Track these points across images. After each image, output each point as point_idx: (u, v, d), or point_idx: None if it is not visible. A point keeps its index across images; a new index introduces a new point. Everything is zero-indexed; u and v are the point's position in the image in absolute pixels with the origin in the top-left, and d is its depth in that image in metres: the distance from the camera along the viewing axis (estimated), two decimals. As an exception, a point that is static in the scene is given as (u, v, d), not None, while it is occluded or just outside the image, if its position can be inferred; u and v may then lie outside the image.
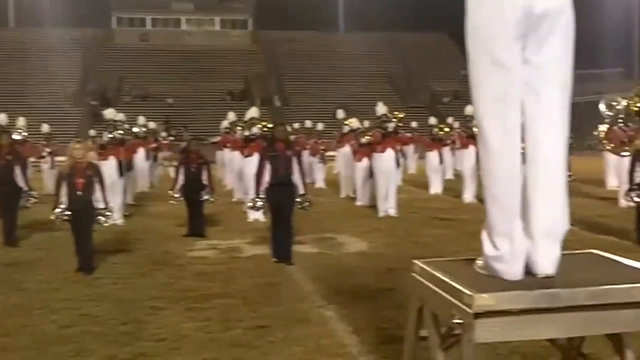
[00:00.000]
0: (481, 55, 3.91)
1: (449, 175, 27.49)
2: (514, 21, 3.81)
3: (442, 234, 14.19)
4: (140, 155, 23.61)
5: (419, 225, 15.61)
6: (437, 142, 24.52)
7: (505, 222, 3.96)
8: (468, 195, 19.87)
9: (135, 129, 25.03)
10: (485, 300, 3.59)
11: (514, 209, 3.96)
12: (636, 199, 12.33)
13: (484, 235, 4.08)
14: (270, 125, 16.49)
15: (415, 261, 4.56)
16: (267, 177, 11.43)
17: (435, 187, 23.47)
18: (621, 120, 17.11)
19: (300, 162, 11.90)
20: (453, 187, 23.14)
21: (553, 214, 4.00)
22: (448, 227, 15.22)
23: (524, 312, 3.65)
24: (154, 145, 27.59)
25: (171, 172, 22.80)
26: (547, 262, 3.98)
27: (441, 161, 24.34)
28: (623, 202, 16.15)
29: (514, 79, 3.88)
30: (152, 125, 29.99)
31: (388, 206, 17.44)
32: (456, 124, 27.29)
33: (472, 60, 3.96)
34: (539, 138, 3.96)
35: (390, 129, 17.70)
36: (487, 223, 4.06)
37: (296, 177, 11.58)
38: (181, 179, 14.53)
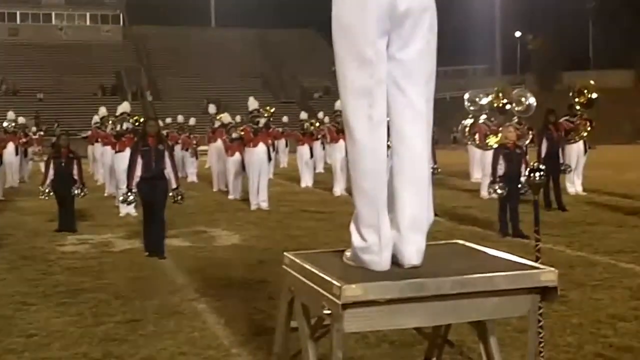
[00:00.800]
0: (347, 50, 3.91)
1: (320, 169, 27.68)
2: (378, 17, 3.82)
3: (313, 227, 14.24)
4: (9, 150, 22.98)
5: (290, 218, 15.64)
6: (308, 137, 24.66)
7: (372, 214, 3.96)
8: (338, 189, 20.03)
9: (4, 124, 24.34)
10: (353, 291, 3.58)
11: (380, 201, 3.97)
12: (499, 191, 12.65)
13: (352, 227, 4.08)
14: (141, 120, 16.21)
15: (286, 253, 4.52)
16: (138, 172, 11.25)
17: (306, 181, 23.57)
18: (485, 115, 17.58)
19: (172, 157, 11.80)
20: (324, 180, 23.30)
21: (418, 205, 4.03)
22: (319, 219, 15.29)
23: (391, 301, 3.66)
24: (23, 140, 26.77)
25: (41, 167, 22.18)
26: (413, 253, 4.00)
27: (312, 155, 24.48)
28: (484, 194, 16.58)
29: (379, 74, 3.89)
30: (21, 120, 29.05)
31: (260, 200, 17.41)
32: (326, 119, 27.49)
33: (338, 56, 3.96)
34: (404, 132, 3.99)
35: (261, 124, 17.67)
36: (356, 215, 4.06)
37: (168, 172, 11.45)
38: (51, 174, 14.13)
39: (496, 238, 12.42)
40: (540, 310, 5.11)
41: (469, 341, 5.52)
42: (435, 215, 13.88)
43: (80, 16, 74.39)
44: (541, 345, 5.28)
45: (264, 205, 17.33)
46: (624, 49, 63.32)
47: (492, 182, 12.93)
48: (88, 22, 74.51)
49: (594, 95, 17.78)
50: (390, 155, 4.04)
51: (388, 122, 4.01)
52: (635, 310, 7.76)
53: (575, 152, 18.46)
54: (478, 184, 19.72)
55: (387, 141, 4.03)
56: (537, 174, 5.08)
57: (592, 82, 18.74)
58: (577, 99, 17.84)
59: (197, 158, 27.42)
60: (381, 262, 3.98)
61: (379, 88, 3.90)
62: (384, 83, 3.92)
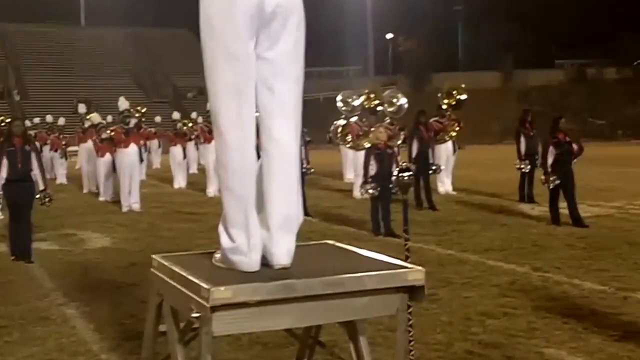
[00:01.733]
0: (215, 48, 3.87)
1: (193, 169, 27.48)
2: (246, 17, 3.80)
3: (186, 228, 14.10)
4: None
5: (163, 220, 15.45)
6: (181, 137, 24.45)
7: (241, 214, 3.93)
8: (212, 190, 19.89)
9: None
10: (221, 293, 3.53)
11: (249, 201, 3.93)
12: (370, 191, 12.80)
13: (221, 228, 4.03)
14: (7, 120, 15.71)
15: (154, 256, 4.44)
16: (3, 174, 10.92)
17: (180, 182, 23.38)
18: (357, 116, 17.78)
19: (39, 158, 11.49)
20: (198, 181, 23.12)
21: (288, 205, 4.01)
22: (192, 221, 15.16)
23: (260, 303, 3.62)
24: None
25: None
26: (282, 253, 3.98)
27: (185, 156, 24.28)
28: (357, 194, 16.76)
29: (247, 73, 3.86)
30: None
31: (132, 201, 17.15)
32: (200, 119, 27.32)
33: (206, 55, 3.91)
34: (273, 131, 3.97)
35: (132, 124, 17.39)
36: (224, 215, 4.02)
37: (35, 173, 11.14)
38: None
39: (369, 237, 12.57)
40: (410, 309, 5.18)
41: (341, 341, 5.53)
42: (309, 215, 13.91)
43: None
44: (411, 343, 5.35)
45: (136, 206, 17.07)
46: (492, 51, 65.22)
47: (364, 183, 13.08)
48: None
49: (462, 97, 18.23)
50: (260, 155, 4.02)
51: (257, 121, 3.99)
52: (503, 307, 7.97)
53: (444, 152, 18.86)
54: (351, 184, 19.93)
55: (257, 141, 4.00)
56: (406, 174, 5.14)
57: (461, 84, 19.21)
58: (445, 100, 18.25)
59: (66, 159, 26.82)
60: (250, 263, 3.94)
61: (247, 87, 3.87)
62: (252, 82, 3.90)
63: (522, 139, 16.96)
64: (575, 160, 13.83)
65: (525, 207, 16.15)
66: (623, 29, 65.71)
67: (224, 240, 4.00)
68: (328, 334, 5.52)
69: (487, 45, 66.40)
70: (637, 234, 12.51)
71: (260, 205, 3.99)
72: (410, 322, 5.28)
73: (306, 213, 15.77)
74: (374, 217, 13.04)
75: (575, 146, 13.85)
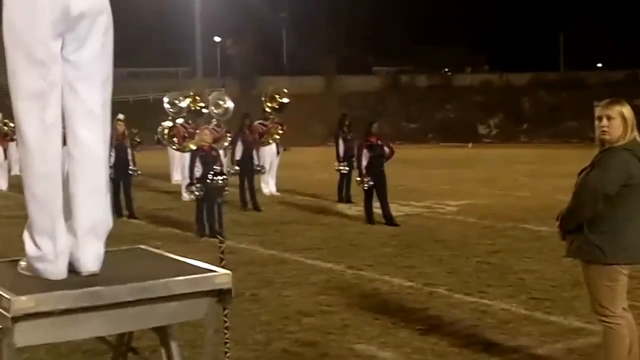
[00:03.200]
0: (18, 52, 3.65)
1: (16, 170, 26.37)
2: (51, 19, 3.59)
3: (8, 233, 13.43)
4: None
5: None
6: (2, 138, 23.59)
7: (46, 220, 3.72)
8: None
9: None
10: (24, 302, 3.31)
11: (55, 206, 3.73)
12: (196, 193, 12.66)
13: (26, 235, 3.80)
14: None
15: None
16: None
17: (1, 184, 22.44)
18: (183, 118, 17.55)
19: None
20: (20, 183, 22.10)
21: (95, 210, 3.84)
22: (14, 225, 14.44)
23: (66, 312, 3.42)
24: None
25: None
26: (90, 260, 3.80)
27: (6, 157, 23.38)
28: (185, 196, 16.55)
29: (52, 76, 3.66)
30: None
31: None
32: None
33: (9, 58, 3.68)
34: (79, 134, 3.78)
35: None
36: (29, 222, 3.79)
37: None
38: None
39: (194, 239, 12.42)
40: (226, 312, 5.11)
41: (156, 346, 5.39)
42: (135, 217, 13.55)
43: None
44: (227, 345, 5.28)
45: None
46: (316, 57, 66.21)
47: (190, 184, 12.94)
48: None
49: (284, 100, 18.35)
50: (67, 160, 3.82)
51: (64, 125, 3.79)
52: (320, 305, 8.04)
53: (269, 155, 18.93)
54: (179, 185, 19.67)
55: (63, 145, 3.80)
56: (219, 177, 5.07)
57: (284, 88, 19.33)
58: (269, 104, 18.31)
59: None
60: (57, 270, 3.73)
61: (52, 90, 3.67)
62: (57, 85, 3.69)
63: (341, 142, 17.27)
64: (387, 162, 14.19)
65: (343, 207, 16.44)
66: (427, 41, 69.32)
67: (29, 247, 3.77)
68: (148, 339, 5.36)
69: (311, 52, 67.31)
70: (443, 231, 12.97)
71: (68, 211, 3.80)
72: (227, 324, 5.22)
73: (133, 215, 15.52)
74: (199, 219, 12.91)
75: (386, 149, 14.22)
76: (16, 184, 21.98)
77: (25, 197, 3.82)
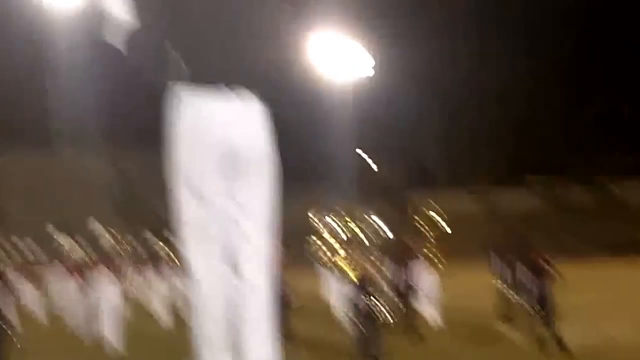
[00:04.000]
0: (184, 190, 3.71)
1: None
2: (217, 159, 3.68)
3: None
4: None
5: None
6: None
7: (210, 356, 3.70)
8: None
9: None
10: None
11: (219, 342, 3.70)
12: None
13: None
14: None
15: None
16: None
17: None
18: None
19: None
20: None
21: (261, 344, 3.77)
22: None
23: None
24: None
25: None
26: None
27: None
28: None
29: (217, 214, 3.70)
30: None
31: None
32: None
33: (176, 196, 3.75)
34: (243, 269, 3.76)
35: None
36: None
37: None
38: None
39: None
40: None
41: None
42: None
43: None
44: None
45: None
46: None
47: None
48: None
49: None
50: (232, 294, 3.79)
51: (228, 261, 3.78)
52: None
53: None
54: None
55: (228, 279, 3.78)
56: None
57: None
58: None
59: None
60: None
61: (217, 227, 3.70)
62: (223, 222, 3.72)
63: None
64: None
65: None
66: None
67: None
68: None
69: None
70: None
71: (232, 344, 3.75)
72: None
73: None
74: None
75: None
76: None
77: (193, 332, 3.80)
